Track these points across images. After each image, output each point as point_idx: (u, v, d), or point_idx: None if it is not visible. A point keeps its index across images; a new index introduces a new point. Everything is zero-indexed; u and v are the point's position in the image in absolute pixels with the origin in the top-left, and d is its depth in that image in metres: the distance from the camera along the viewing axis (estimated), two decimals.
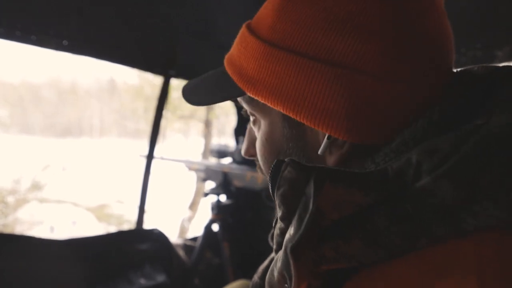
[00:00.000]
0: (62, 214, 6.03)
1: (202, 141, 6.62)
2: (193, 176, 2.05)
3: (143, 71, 1.67)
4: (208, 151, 5.81)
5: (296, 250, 0.33)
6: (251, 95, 0.46)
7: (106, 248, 1.53)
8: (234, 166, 1.84)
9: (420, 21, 0.39)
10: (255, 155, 0.56)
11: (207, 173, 1.93)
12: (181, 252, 1.84)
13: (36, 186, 5.71)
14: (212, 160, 2.14)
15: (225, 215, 1.89)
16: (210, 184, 1.95)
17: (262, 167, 0.54)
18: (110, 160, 9.49)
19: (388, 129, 0.39)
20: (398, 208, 0.33)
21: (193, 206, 5.48)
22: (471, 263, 0.29)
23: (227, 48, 0.55)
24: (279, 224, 0.39)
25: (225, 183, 1.85)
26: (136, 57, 1.55)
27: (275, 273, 0.40)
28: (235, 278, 1.72)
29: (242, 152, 0.59)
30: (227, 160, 1.97)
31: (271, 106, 0.44)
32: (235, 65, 0.49)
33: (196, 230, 4.38)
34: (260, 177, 1.70)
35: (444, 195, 0.31)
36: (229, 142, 2.20)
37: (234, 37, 0.54)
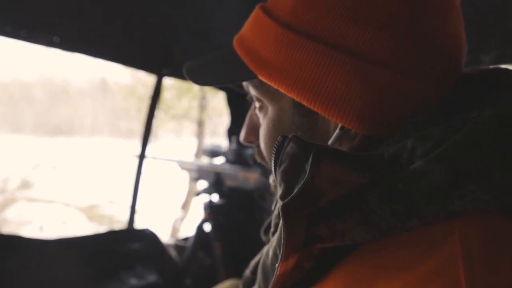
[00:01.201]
0: (52, 214, 5.97)
1: (194, 141, 6.60)
2: (185, 176, 2.05)
3: (136, 69, 1.66)
4: (201, 151, 5.80)
5: (287, 210, 0.34)
6: (263, 79, 0.45)
7: (97, 248, 1.52)
8: (227, 166, 1.84)
9: (419, 21, 0.40)
10: (254, 142, 0.55)
11: (200, 173, 1.93)
12: (172, 252, 1.84)
13: (25, 185, 5.66)
14: (205, 160, 2.14)
15: (217, 215, 1.89)
16: (203, 184, 1.95)
17: (264, 154, 0.53)
18: (102, 159, 9.42)
19: (397, 123, 0.40)
20: (391, 189, 0.34)
21: (185, 206, 5.46)
22: (457, 243, 0.30)
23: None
24: (279, 204, 0.39)
25: (217, 183, 1.86)
26: (129, 55, 1.54)
27: (270, 254, 0.41)
28: (227, 278, 1.72)
29: (241, 138, 0.57)
30: (220, 160, 1.97)
31: (284, 92, 0.44)
32: (247, 47, 0.48)
33: (188, 230, 4.37)
34: (252, 177, 1.71)
35: (435, 177, 0.32)
36: (222, 142, 2.20)
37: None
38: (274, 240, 0.41)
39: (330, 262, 0.38)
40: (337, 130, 0.42)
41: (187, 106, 6.52)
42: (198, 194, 1.91)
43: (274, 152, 0.39)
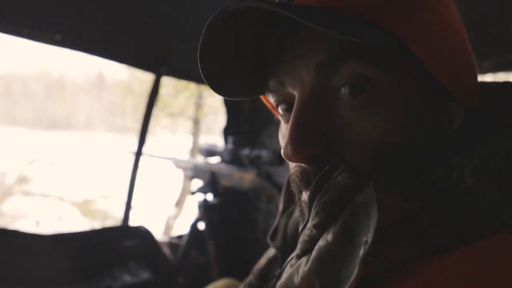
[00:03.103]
0: (47, 208, 5.96)
1: (189, 139, 6.60)
2: (180, 174, 2.06)
3: (134, 67, 1.67)
4: (196, 149, 5.80)
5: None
6: (413, 46, 0.36)
7: (91, 244, 1.52)
8: (222, 165, 1.85)
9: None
10: (323, 150, 0.38)
11: (195, 172, 1.93)
12: (166, 250, 1.84)
13: (22, 180, 5.65)
14: (200, 159, 2.14)
15: (211, 214, 1.89)
16: (198, 183, 1.95)
17: (366, 164, 0.37)
18: (96, 155, 9.39)
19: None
20: (445, 207, 0.34)
21: (179, 204, 5.46)
22: None
23: None
24: (309, 231, 0.38)
25: (212, 182, 1.86)
26: (128, 54, 1.54)
27: (296, 279, 0.38)
28: (220, 277, 1.73)
29: (299, 147, 0.37)
30: (215, 160, 1.98)
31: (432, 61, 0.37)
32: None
33: (182, 228, 4.37)
34: (247, 177, 1.71)
35: (488, 193, 0.33)
36: (217, 140, 2.21)
37: None
38: (302, 265, 0.37)
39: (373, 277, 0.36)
40: (459, 113, 0.41)
41: (183, 104, 6.51)
42: (193, 193, 1.91)
43: (317, 181, 0.36)
